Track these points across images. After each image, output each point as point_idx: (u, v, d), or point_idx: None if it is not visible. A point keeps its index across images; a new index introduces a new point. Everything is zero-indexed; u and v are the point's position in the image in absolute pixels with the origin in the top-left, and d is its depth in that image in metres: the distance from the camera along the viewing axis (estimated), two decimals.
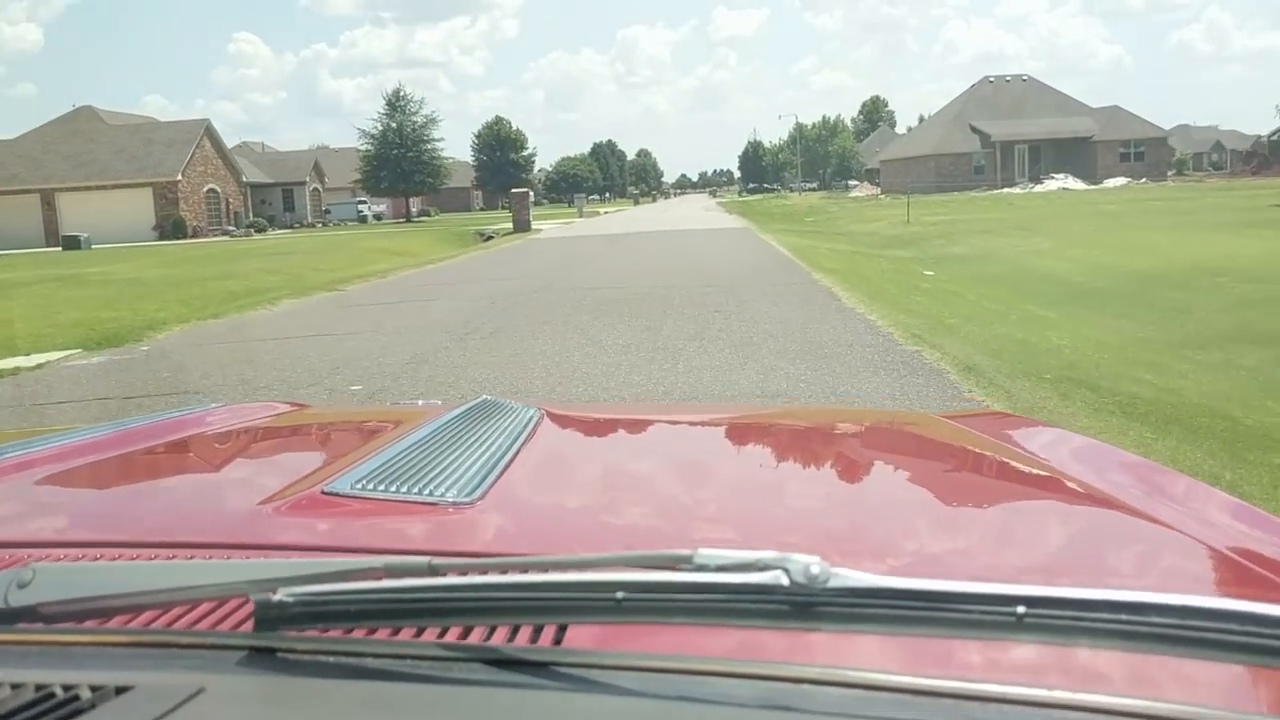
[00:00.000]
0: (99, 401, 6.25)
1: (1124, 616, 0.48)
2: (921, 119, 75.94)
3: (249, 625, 0.60)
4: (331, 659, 0.57)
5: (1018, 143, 54.20)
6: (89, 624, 0.62)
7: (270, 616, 0.58)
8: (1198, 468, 3.75)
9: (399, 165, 52.12)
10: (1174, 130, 65.25)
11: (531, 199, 41.33)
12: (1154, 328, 8.75)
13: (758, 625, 0.52)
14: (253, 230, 43.31)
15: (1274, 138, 59.21)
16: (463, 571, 0.60)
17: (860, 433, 1.59)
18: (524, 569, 0.59)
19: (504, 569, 0.60)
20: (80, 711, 0.51)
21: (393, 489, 0.91)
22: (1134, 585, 0.82)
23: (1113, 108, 57.67)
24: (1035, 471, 1.22)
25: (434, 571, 0.58)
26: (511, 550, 0.83)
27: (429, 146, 53.80)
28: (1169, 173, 57.03)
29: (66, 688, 0.53)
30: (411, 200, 55.94)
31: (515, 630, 0.62)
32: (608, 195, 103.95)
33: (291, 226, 50.74)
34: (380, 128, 53.28)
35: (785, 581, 0.51)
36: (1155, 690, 0.55)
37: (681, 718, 0.52)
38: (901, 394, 5.19)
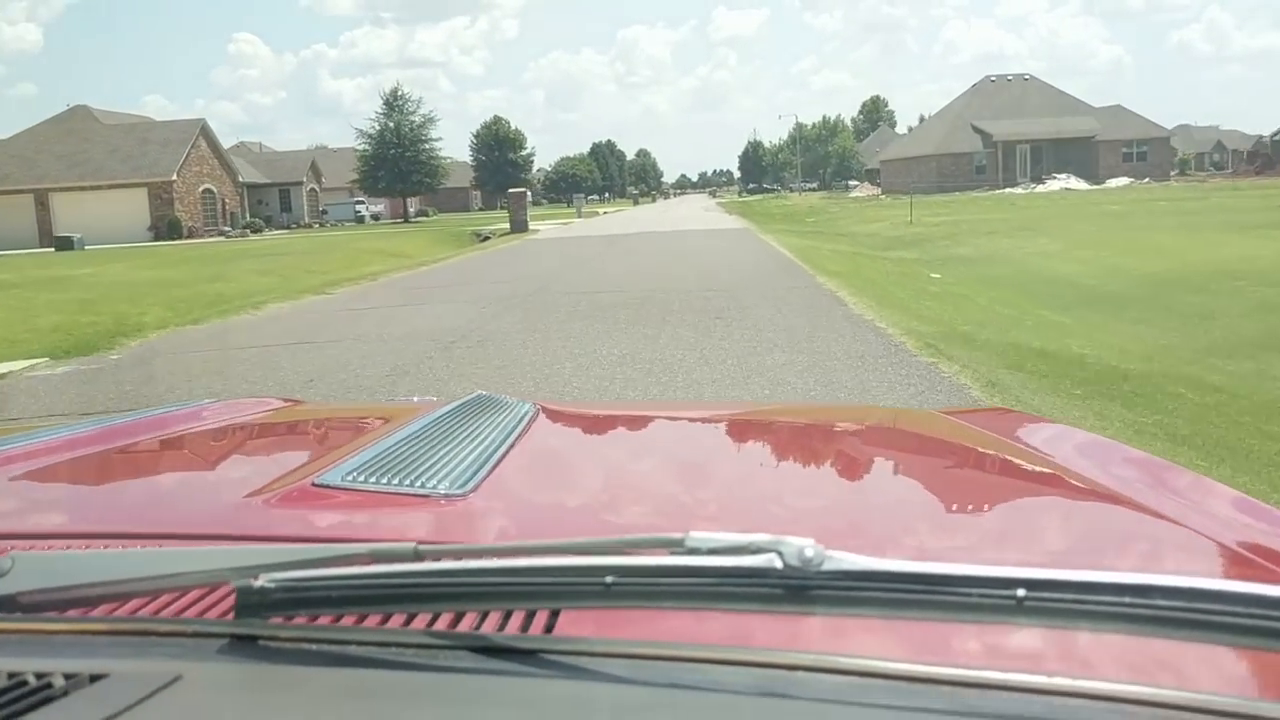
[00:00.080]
0: (52, 420, 5.82)
1: (1127, 599, 0.47)
2: (922, 119, 75.60)
3: (232, 613, 0.59)
4: (314, 646, 0.56)
5: (1019, 142, 53.79)
6: (68, 613, 0.61)
7: (252, 603, 0.57)
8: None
9: (396, 165, 51.68)
10: (1175, 130, 64.81)
11: (530, 199, 40.93)
12: (1176, 334, 8.34)
13: (751, 609, 0.51)
14: (249, 231, 42.94)
15: (1277, 137, 58.85)
16: (449, 557, 0.59)
17: (858, 427, 1.56)
18: (511, 554, 0.58)
19: (490, 554, 0.59)
20: (52, 699, 0.51)
21: (384, 481, 0.90)
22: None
23: (1115, 107, 57.29)
24: (1036, 464, 1.20)
25: (419, 557, 0.57)
26: (503, 540, 0.82)
27: (427, 146, 53.34)
28: (1171, 173, 56.64)
29: (40, 675, 0.52)
30: (409, 200, 55.52)
31: (506, 617, 0.61)
32: (607, 195, 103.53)
33: (288, 227, 50.30)
34: (378, 127, 52.86)
35: (779, 564, 0.50)
36: (1159, 675, 0.54)
37: (672, 706, 0.50)
38: None
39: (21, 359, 8.12)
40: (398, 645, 0.56)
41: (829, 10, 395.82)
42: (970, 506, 1.03)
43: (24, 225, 39.88)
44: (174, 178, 40.85)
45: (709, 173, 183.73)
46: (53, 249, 33.25)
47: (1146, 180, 50.20)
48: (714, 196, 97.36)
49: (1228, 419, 4.92)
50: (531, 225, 32.21)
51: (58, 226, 38.62)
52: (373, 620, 0.60)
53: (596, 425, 1.58)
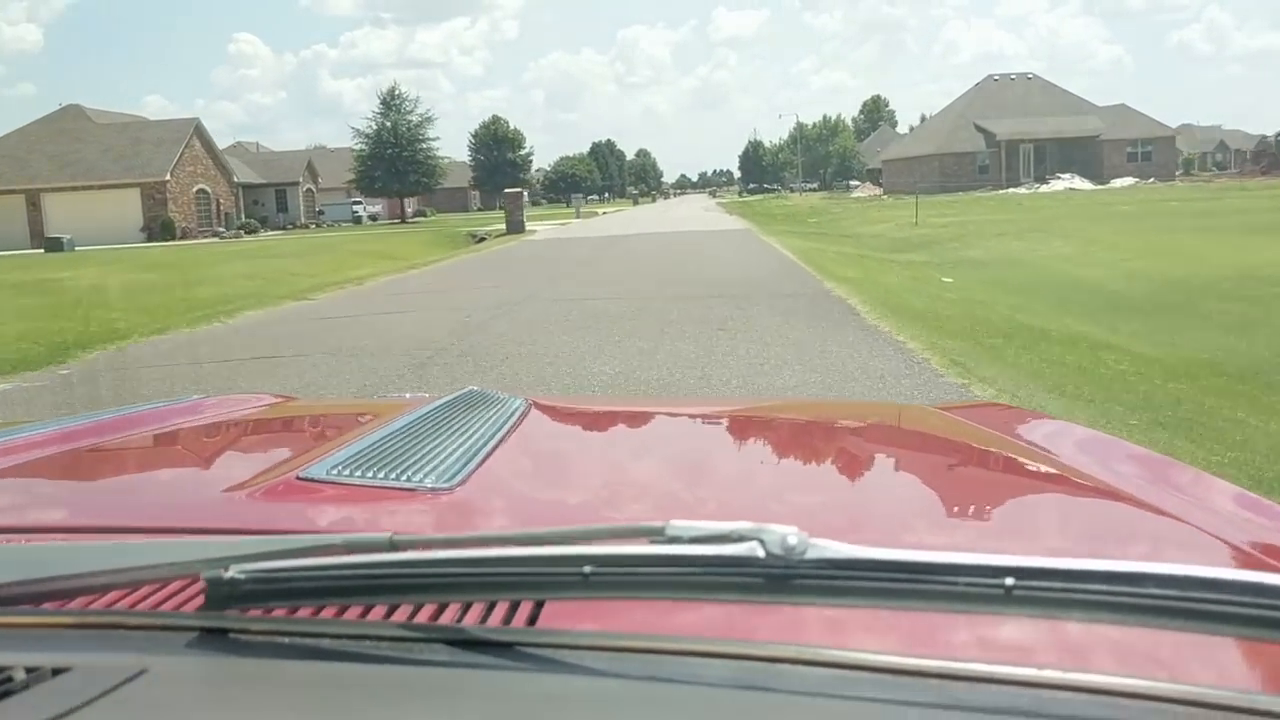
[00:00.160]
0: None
1: (1120, 588, 0.46)
2: (923, 118, 74.93)
3: (203, 606, 0.58)
4: (287, 639, 0.55)
5: (1023, 142, 53.15)
6: (33, 606, 0.61)
7: (221, 595, 0.55)
8: None
9: (393, 165, 51.05)
10: (1178, 130, 64.13)
11: (528, 199, 40.32)
12: (1218, 348, 7.67)
13: (733, 599, 0.50)
14: (243, 232, 42.36)
15: None
16: (424, 548, 0.57)
17: (852, 421, 1.55)
18: (487, 544, 0.57)
19: (466, 544, 0.57)
20: (11, 693, 0.50)
21: (369, 474, 0.88)
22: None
23: (1120, 106, 56.65)
24: (1033, 459, 1.18)
25: (394, 547, 0.56)
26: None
27: (424, 146, 52.67)
28: (1176, 173, 55.98)
29: (1, 669, 0.51)
30: (407, 200, 54.86)
31: (489, 609, 0.60)
32: (607, 195, 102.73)
33: (284, 228, 49.67)
34: (374, 127, 52.17)
35: (761, 553, 0.48)
36: (1152, 668, 0.53)
37: (652, 699, 0.49)
38: None
39: None
40: (372, 638, 0.55)
41: (829, 10, 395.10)
42: (963, 500, 0.99)
43: (15, 226, 39.33)
44: (167, 178, 40.30)
45: (709, 173, 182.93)
46: (43, 250, 32.62)
47: (1151, 180, 49.58)
48: (714, 197, 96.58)
49: None
50: (529, 226, 31.61)
51: (49, 227, 38.05)
52: (351, 613, 0.58)
53: (589, 421, 1.55)
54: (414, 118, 52.82)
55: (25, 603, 0.60)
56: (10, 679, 0.50)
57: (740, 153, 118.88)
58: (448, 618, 0.59)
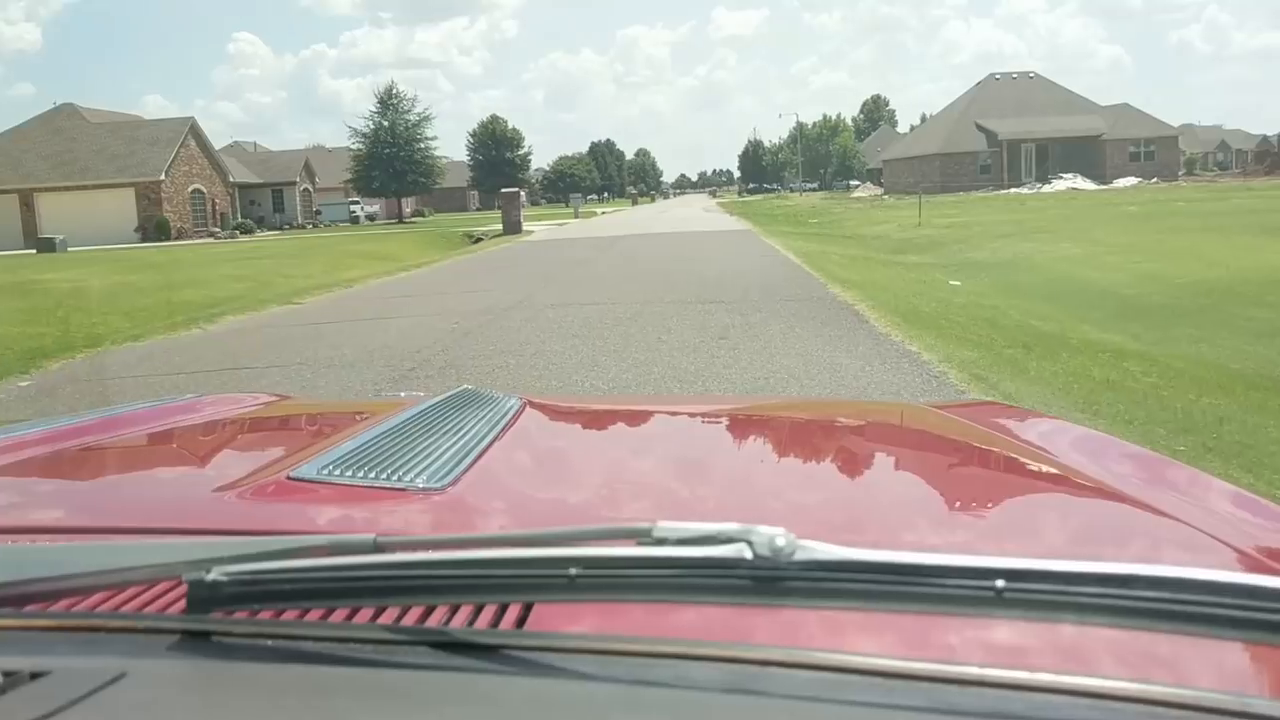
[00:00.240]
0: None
1: (1112, 590, 0.45)
2: (924, 118, 74.54)
3: (184, 608, 0.57)
4: (269, 643, 0.54)
5: (1025, 141, 52.76)
6: (15, 609, 0.60)
7: (203, 597, 0.55)
8: None
9: (391, 165, 50.60)
10: (1179, 130, 63.70)
11: (525, 199, 39.91)
12: (1248, 357, 7.26)
13: (721, 602, 0.50)
14: (239, 232, 41.94)
15: None
16: (409, 549, 0.57)
17: (847, 421, 1.53)
18: (472, 545, 0.57)
19: (451, 546, 0.57)
20: None
21: (360, 474, 0.87)
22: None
23: (1122, 106, 56.25)
24: (1028, 458, 1.16)
25: (379, 549, 0.55)
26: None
27: (422, 145, 52.19)
28: (1179, 173, 55.56)
29: None
30: (405, 200, 54.41)
31: (476, 611, 0.59)
32: (606, 195, 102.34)
33: (281, 228, 49.23)
34: (372, 126, 51.71)
35: (749, 555, 0.48)
36: (1146, 670, 0.53)
37: (640, 702, 0.49)
38: None
39: None
40: (356, 641, 0.54)
41: (829, 10, 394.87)
42: (959, 499, 0.98)
43: (9, 226, 38.93)
44: (162, 178, 39.91)
45: (709, 172, 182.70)
46: (35, 250, 32.22)
47: (1155, 180, 49.17)
48: (714, 196, 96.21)
49: None
50: (526, 226, 31.20)
51: (43, 227, 37.69)
52: (336, 616, 0.58)
53: (584, 420, 1.53)
54: (412, 117, 52.38)
55: (5, 605, 0.58)
56: None
57: (740, 153, 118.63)
58: (434, 620, 0.58)
